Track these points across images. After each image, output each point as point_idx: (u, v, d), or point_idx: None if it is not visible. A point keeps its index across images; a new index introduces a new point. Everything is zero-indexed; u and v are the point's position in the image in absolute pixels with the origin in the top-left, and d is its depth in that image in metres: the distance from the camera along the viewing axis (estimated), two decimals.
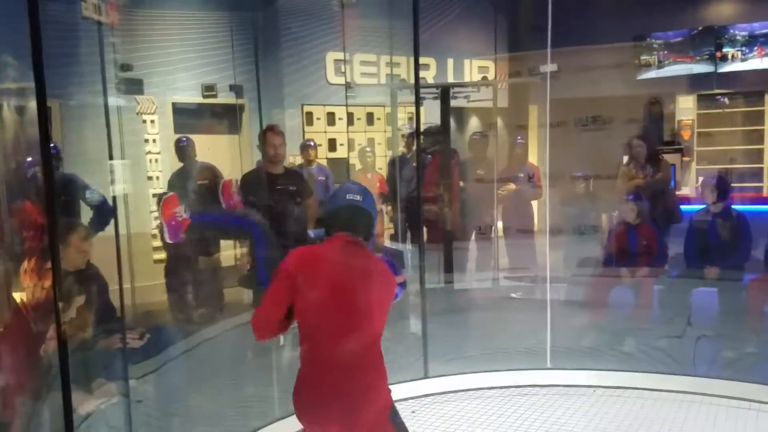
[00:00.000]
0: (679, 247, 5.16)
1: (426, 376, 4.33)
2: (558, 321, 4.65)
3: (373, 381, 2.29)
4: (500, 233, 6.34)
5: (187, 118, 6.36)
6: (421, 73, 7.04)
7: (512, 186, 6.04)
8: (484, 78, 7.93)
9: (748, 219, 4.90)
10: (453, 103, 6.13)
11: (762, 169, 7.34)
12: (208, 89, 6.15)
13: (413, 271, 4.52)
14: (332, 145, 7.45)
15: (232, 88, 5.78)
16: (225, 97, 6.10)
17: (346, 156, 7.11)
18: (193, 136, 5.32)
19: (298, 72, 7.25)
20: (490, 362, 4.48)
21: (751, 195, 7.24)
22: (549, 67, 4.50)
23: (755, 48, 7.42)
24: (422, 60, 7.48)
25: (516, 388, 4.31)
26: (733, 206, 4.98)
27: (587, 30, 5.83)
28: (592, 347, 4.80)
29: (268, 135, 4.67)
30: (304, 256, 2.31)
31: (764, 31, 7.38)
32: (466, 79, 8.10)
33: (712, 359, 4.40)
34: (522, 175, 6.13)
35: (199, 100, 6.31)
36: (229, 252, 5.21)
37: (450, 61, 8.13)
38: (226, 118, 6.53)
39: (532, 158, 6.33)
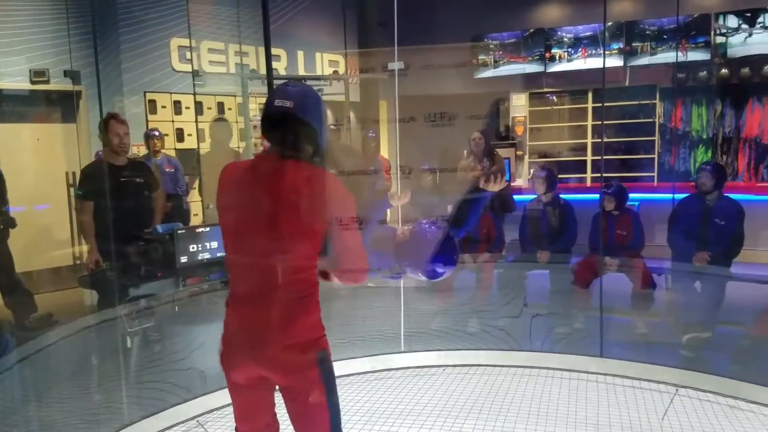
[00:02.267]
0: (514, 234, 5.62)
1: None
2: (411, 307, 4.88)
3: (293, 314, 2.03)
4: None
5: (14, 105, 5.78)
6: (273, 64, 6.98)
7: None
8: (335, 72, 8.03)
9: (573, 207, 5.44)
10: None
11: (586, 161, 8.12)
12: (38, 75, 5.63)
13: None
14: (180, 135, 7.14)
15: (67, 73, 5.34)
16: (59, 84, 5.62)
17: (195, 146, 6.86)
18: (21, 125, 4.86)
19: (139, 57, 6.85)
20: (348, 350, 4.59)
21: (576, 185, 8.00)
22: (396, 65, 4.64)
23: (580, 49, 8.05)
24: (273, 51, 7.43)
25: (373, 372, 4.47)
26: (560, 195, 5.50)
27: (431, 29, 6.11)
28: (441, 329, 5.09)
29: (112, 123, 4.38)
30: (222, 176, 2.10)
31: (587, 33, 7.97)
32: (318, 72, 8.14)
33: (546, 335, 4.83)
34: (373, 168, 6.30)
35: (28, 86, 5.76)
36: (67, 251, 4.86)
37: (301, 54, 8.12)
38: (61, 105, 6.03)
39: (384, 152, 6.54)
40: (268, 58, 4.58)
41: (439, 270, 2.51)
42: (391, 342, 4.66)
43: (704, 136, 7.72)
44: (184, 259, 3.75)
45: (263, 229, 2.01)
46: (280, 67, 7.77)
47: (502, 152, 6.78)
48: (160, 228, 4.28)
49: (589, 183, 7.98)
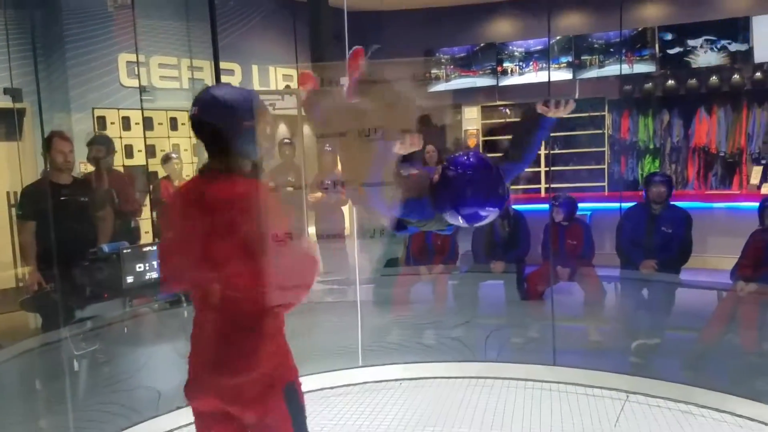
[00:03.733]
0: (468, 245, 5.66)
1: None
2: (368, 320, 4.85)
3: (250, 344, 1.90)
4: (313, 239, 6.45)
5: None
6: (227, 79, 6.89)
7: (319, 194, 6.18)
8: (288, 86, 8.01)
9: (525, 217, 5.52)
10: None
11: (540, 172, 8.26)
12: None
13: None
14: (129, 151, 7.00)
15: (6, 91, 5.19)
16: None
17: (144, 163, 6.74)
18: None
19: (86, 73, 6.71)
20: (306, 366, 4.53)
21: (529, 196, 8.13)
22: (346, 80, 4.65)
23: (531, 63, 8.26)
24: (227, 65, 7.37)
25: (331, 389, 4.42)
26: (513, 206, 5.57)
27: (384, 44, 6.15)
28: (398, 342, 5.07)
29: (55, 141, 4.27)
30: (168, 197, 2.07)
31: (538, 47, 8.17)
32: (272, 86, 8.10)
33: (501, 345, 4.87)
34: (330, 181, 6.30)
35: None
36: (9, 272, 4.69)
37: (255, 68, 8.07)
38: (3, 123, 5.85)
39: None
40: (217, 71, 4.56)
41: (482, 213, 2.10)
42: (350, 356, 4.63)
43: (651, 146, 7.94)
44: (130, 279, 3.65)
45: (192, 251, 1.89)
46: (234, 81, 7.71)
47: None
48: (105, 247, 4.16)
49: (543, 194, 8.12)
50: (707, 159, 7.74)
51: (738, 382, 3.93)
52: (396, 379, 4.52)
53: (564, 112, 2.30)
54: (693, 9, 7.70)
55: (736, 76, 7.40)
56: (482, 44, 8.36)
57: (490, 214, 2.12)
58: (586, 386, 4.21)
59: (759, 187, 6.86)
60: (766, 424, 3.60)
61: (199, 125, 1.93)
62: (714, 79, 7.51)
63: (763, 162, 7.24)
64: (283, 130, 7.59)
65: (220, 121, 1.90)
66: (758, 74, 7.30)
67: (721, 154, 7.61)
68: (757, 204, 4.77)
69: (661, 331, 4.79)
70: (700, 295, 4.97)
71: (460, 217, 2.12)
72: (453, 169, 2.13)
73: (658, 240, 4.92)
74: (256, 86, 7.92)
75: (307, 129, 6.61)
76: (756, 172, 7.14)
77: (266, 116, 2.01)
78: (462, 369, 4.54)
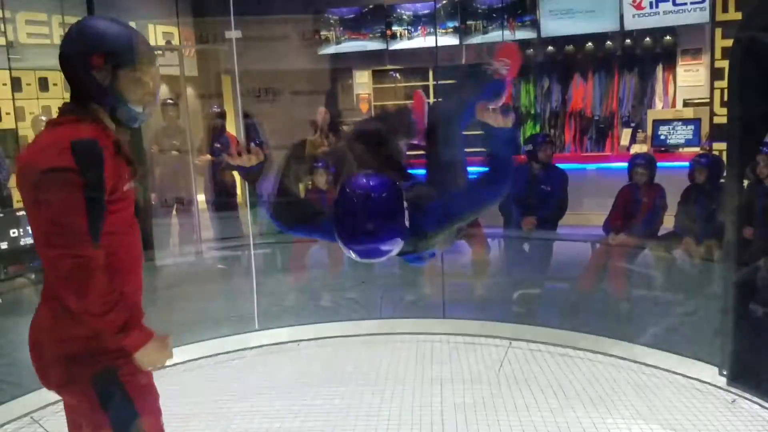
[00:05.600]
0: None
1: None
2: (264, 286, 4.84)
3: (44, 320, 1.74)
4: (202, 205, 6.29)
5: None
6: None
7: (208, 157, 6.01)
8: (168, 42, 7.62)
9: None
10: None
11: None
12: None
13: None
14: None
15: None
16: None
17: (13, 126, 6.23)
18: None
19: None
20: (201, 332, 4.47)
21: (419, 161, 8.26)
22: (233, 34, 4.51)
23: (419, 27, 8.25)
24: None
25: (227, 353, 4.39)
26: (409, 170, 5.68)
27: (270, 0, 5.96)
28: (295, 305, 5.11)
29: None
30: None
31: (426, 11, 8.18)
32: (151, 44, 7.68)
33: (395, 303, 5.03)
34: (219, 145, 6.13)
35: None
36: None
37: (132, 25, 7.61)
38: None
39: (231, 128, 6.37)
40: None
41: (383, 248, 1.81)
42: (246, 322, 4.61)
43: (532, 112, 8.32)
44: (4, 245, 3.42)
45: (30, 214, 1.72)
46: None
47: (348, 129, 6.85)
48: None
49: None
50: (583, 123, 8.22)
51: (610, 326, 4.32)
52: (294, 341, 4.57)
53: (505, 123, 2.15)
54: None
55: (608, 43, 7.86)
56: (371, 5, 8.31)
57: (391, 249, 1.82)
58: (473, 335, 4.46)
59: (629, 148, 7.41)
60: (635, 362, 3.98)
61: (61, 60, 1.69)
62: (589, 45, 7.93)
63: (632, 125, 7.81)
64: (163, 91, 7.26)
65: (73, 51, 1.68)
66: (628, 41, 7.78)
67: (596, 118, 8.11)
68: (626, 164, 5.19)
69: (540, 282, 5.14)
70: (575, 248, 5.36)
71: (352, 253, 1.82)
72: (342, 199, 1.81)
73: (538, 198, 5.23)
74: None
75: (190, 90, 6.36)
76: (626, 134, 7.69)
77: (148, 61, 1.79)
78: (357, 327, 4.65)
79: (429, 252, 2.16)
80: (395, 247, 1.84)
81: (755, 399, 3.42)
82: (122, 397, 1.73)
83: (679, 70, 7.63)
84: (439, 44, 7.93)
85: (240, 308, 4.71)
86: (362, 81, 8.50)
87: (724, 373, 3.59)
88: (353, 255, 1.83)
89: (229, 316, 4.74)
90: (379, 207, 1.77)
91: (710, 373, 3.66)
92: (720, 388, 3.58)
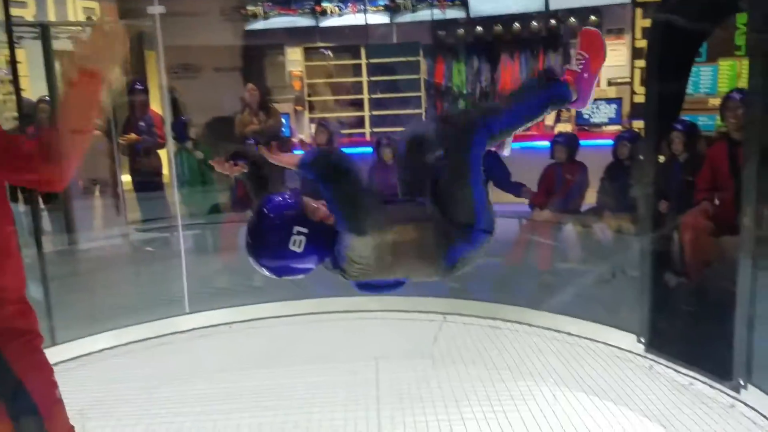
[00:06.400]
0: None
1: (54, 344, 3.98)
2: (194, 268, 4.75)
3: None
4: (127, 186, 6.07)
5: None
6: (18, 11, 6.08)
7: (133, 136, 5.78)
8: (89, 18, 7.25)
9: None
10: (57, 45, 5.50)
11: (364, 117, 8.37)
12: None
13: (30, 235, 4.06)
14: None
15: None
16: None
17: None
18: None
19: None
20: (130, 316, 4.35)
21: (356, 140, 8.25)
22: (157, 9, 4.36)
23: (349, 4, 8.11)
24: None
25: (157, 338, 4.30)
26: (341, 149, 5.68)
27: None
28: (227, 287, 5.04)
29: None
30: None
31: None
32: (70, 19, 7.29)
33: (331, 282, 5.01)
34: (143, 124, 5.90)
35: None
36: None
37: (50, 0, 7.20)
38: None
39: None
40: (6, 3, 4.07)
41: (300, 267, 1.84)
42: (176, 305, 4.51)
43: (464, 91, 8.42)
44: None
45: None
46: (28, 14, 6.83)
47: (280, 107, 6.75)
48: None
49: (368, 137, 8.28)
50: None
51: (535, 298, 4.48)
52: (226, 323, 4.51)
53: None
54: None
55: (534, 23, 8.02)
56: None
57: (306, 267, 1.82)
58: (408, 311, 4.53)
59: (553, 128, 7.61)
60: (558, 331, 4.16)
61: None
62: (516, 26, 8.06)
63: None
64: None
65: None
66: (552, 21, 7.96)
67: None
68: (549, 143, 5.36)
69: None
70: (504, 224, 5.49)
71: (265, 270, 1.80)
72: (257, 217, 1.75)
73: None
74: (52, 17, 7.09)
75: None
76: (551, 114, 7.91)
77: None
78: (291, 307, 4.64)
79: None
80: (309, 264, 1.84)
81: (670, 364, 3.64)
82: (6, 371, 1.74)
83: None
84: (369, 22, 7.87)
85: (169, 291, 4.60)
86: (294, 58, 8.35)
87: (642, 340, 3.80)
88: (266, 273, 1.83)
89: (159, 299, 4.63)
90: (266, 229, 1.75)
91: (629, 340, 3.87)
92: (638, 354, 3.79)
